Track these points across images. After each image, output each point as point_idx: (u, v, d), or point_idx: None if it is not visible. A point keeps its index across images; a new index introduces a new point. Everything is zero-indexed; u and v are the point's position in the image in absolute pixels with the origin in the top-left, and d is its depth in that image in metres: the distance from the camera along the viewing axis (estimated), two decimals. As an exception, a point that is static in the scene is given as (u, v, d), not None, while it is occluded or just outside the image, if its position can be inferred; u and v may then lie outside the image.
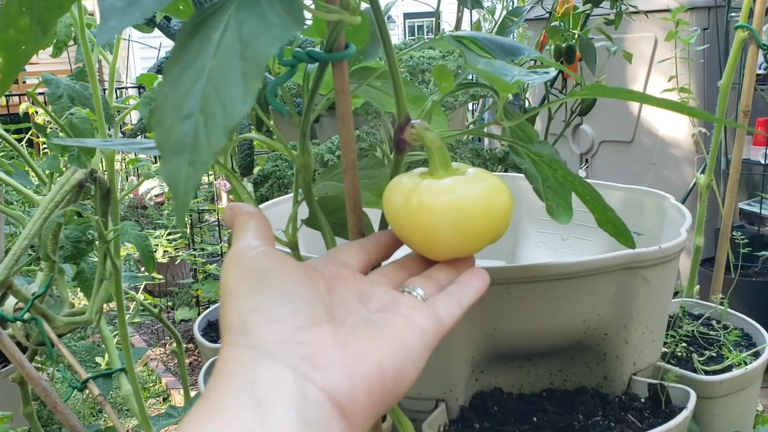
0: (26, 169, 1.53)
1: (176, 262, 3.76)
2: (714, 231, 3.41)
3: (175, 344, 1.25)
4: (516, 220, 1.13)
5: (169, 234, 3.75)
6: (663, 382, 0.73)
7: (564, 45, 1.99)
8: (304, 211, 0.63)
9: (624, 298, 0.73)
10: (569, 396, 0.77)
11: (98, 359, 2.72)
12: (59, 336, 0.98)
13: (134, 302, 1.22)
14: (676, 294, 1.06)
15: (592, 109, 2.16)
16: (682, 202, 3.15)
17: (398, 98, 0.55)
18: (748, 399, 0.80)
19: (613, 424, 0.71)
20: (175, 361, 3.33)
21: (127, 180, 5.67)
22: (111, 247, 0.88)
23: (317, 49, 0.53)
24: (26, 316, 0.82)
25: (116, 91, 1.09)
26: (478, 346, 0.72)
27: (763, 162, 3.09)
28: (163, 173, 0.37)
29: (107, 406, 0.94)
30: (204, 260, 3.74)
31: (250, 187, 1.42)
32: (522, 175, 0.66)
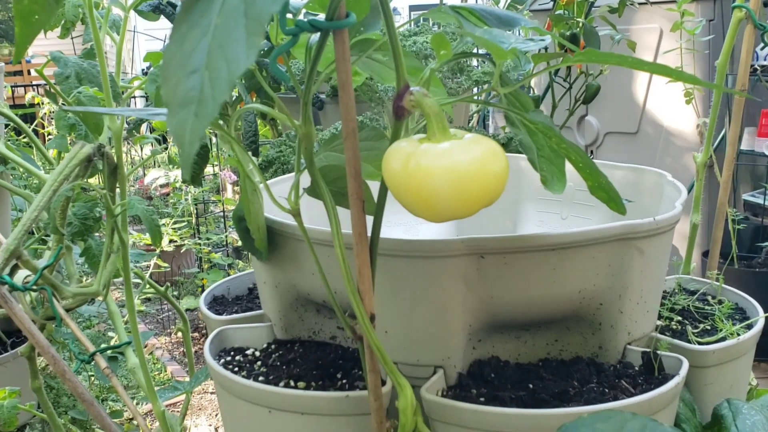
0: (33, 156, 1.55)
1: (182, 251, 3.79)
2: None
3: (181, 323, 1.27)
4: (516, 200, 1.14)
5: (174, 223, 3.77)
6: (656, 350, 0.75)
7: (568, 33, 2.00)
8: (307, 182, 0.65)
9: (619, 268, 0.75)
10: (565, 365, 0.78)
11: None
12: (67, 311, 1.00)
13: (141, 282, 1.24)
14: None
15: (595, 97, 2.17)
16: (688, 191, 3.15)
17: (398, 67, 0.56)
18: (740, 369, 0.82)
19: (607, 390, 0.72)
20: (181, 349, 3.36)
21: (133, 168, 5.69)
22: (118, 222, 0.90)
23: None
24: (35, 286, 0.84)
25: (122, 81, 1.11)
26: (475, 315, 0.74)
27: (766, 153, 3.10)
28: (170, 125, 0.39)
29: (114, 379, 0.96)
30: (209, 249, 3.77)
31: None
32: (523, 155, 0.68)
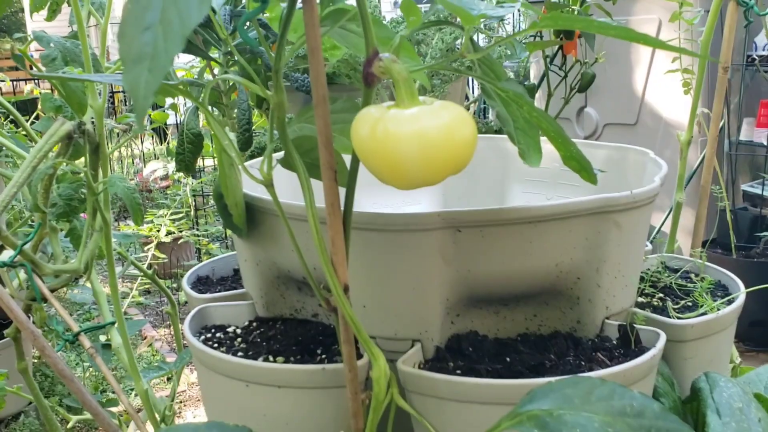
0: (27, 142, 1.55)
1: (180, 243, 3.79)
2: (714, 212, 3.42)
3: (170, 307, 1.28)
4: (502, 182, 1.14)
5: (172, 214, 3.78)
6: (633, 324, 0.75)
7: (563, 21, 1.98)
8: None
9: (596, 242, 0.75)
10: (543, 340, 0.78)
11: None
12: (53, 291, 1.00)
13: (136, 265, 1.24)
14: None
15: (591, 85, 2.16)
16: (687, 183, 3.14)
17: (366, 33, 0.56)
18: (720, 344, 0.82)
19: (583, 363, 0.72)
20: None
21: (133, 163, 5.71)
22: (101, 201, 0.90)
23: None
24: (15, 262, 0.84)
25: (108, 63, 1.12)
26: (453, 288, 0.74)
27: (766, 144, 3.10)
28: (125, 81, 0.39)
29: (98, 358, 0.96)
30: (208, 241, 3.77)
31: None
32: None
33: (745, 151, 3.35)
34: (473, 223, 0.71)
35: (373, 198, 1.09)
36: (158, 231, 3.59)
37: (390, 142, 0.52)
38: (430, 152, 0.52)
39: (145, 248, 3.46)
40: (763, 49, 3.21)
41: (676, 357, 0.79)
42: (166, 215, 3.69)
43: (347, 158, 0.65)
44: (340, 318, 0.65)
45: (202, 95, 0.65)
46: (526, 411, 0.55)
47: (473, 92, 3.09)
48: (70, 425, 1.21)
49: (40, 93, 4.15)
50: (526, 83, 2.23)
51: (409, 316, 0.75)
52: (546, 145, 1.01)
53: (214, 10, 0.77)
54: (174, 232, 3.67)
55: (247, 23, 0.92)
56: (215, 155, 0.81)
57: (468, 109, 2.75)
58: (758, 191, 3.22)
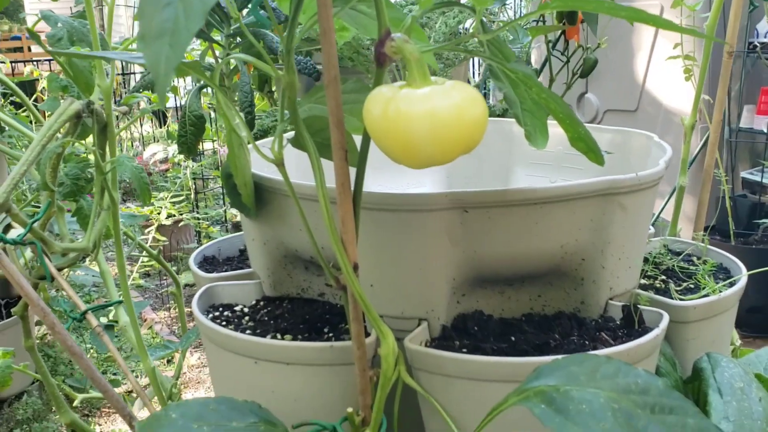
0: (27, 123, 1.56)
1: (180, 225, 3.80)
2: (715, 200, 3.43)
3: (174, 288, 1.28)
4: (508, 165, 1.15)
5: (173, 197, 3.78)
6: (636, 305, 0.76)
7: (566, 5, 1.98)
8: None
9: (601, 223, 0.75)
10: (548, 320, 0.79)
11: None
12: (60, 270, 1.01)
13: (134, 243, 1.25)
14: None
15: (593, 71, 2.16)
16: (687, 168, 3.13)
17: (379, 14, 0.57)
18: (722, 326, 0.83)
19: (587, 342, 0.73)
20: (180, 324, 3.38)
21: (133, 146, 5.71)
22: (108, 180, 0.90)
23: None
24: (25, 240, 0.85)
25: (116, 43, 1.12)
26: (459, 268, 0.75)
27: (766, 131, 3.10)
28: (146, 57, 0.40)
29: (105, 337, 0.97)
30: (208, 224, 3.78)
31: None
32: (514, 120, 0.69)
33: (745, 138, 3.35)
34: (480, 204, 0.72)
35: (378, 180, 1.09)
36: (158, 214, 3.60)
37: (402, 121, 0.53)
38: (442, 131, 0.53)
39: (146, 231, 3.47)
40: (765, 36, 3.21)
41: (679, 338, 0.80)
42: (166, 198, 3.70)
43: (357, 139, 0.65)
44: (350, 296, 0.65)
45: (212, 76, 0.66)
46: (532, 387, 0.56)
47: (474, 77, 3.09)
48: (75, 403, 1.22)
49: (39, 74, 4.14)
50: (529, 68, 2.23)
51: (416, 295, 0.76)
52: (550, 129, 1.02)
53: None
54: (174, 215, 3.68)
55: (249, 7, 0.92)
56: (219, 137, 0.81)
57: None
58: (757, 178, 3.23)
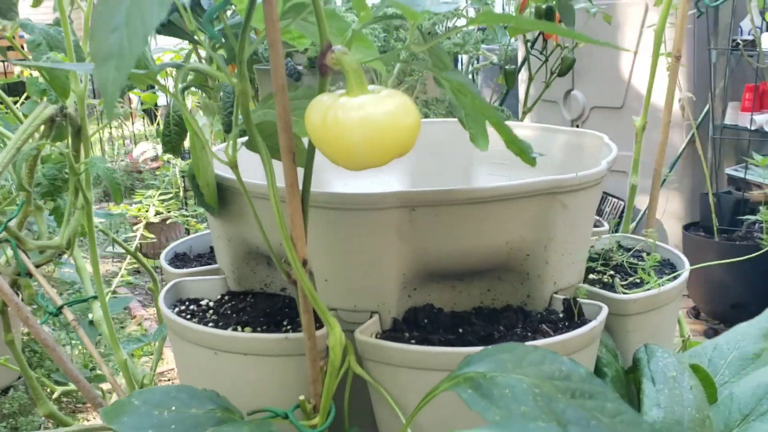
0: (14, 123, 1.59)
1: (168, 223, 3.84)
2: (700, 196, 3.48)
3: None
4: (469, 163, 1.19)
5: (161, 195, 3.82)
6: (576, 298, 0.80)
7: (544, 6, 2.03)
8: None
9: (544, 221, 0.80)
10: (496, 313, 0.84)
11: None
12: (37, 267, 1.05)
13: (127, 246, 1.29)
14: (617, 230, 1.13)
15: (570, 70, 2.21)
16: (672, 166, 3.18)
17: (320, 27, 0.61)
18: (663, 318, 0.87)
19: (529, 334, 0.78)
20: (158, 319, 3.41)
21: (124, 144, 5.74)
22: (82, 180, 0.94)
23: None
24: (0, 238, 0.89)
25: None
26: (409, 264, 0.79)
27: (750, 128, 3.15)
28: (96, 77, 0.44)
29: (80, 330, 1.01)
30: (196, 221, 3.82)
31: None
32: None
33: (730, 135, 3.40)
34: (427, 203, 0.76)
35: (344, 179, 1.13)
36: (147, 211, 3.64)
37: (338, 128, 0.57)
38: (375, 137, 0.57)
39: (134, 228, 3.50)
40: (748, 34, 3.25)
41: (620, 330, 0.84)
42: (155, 196, 3.74)
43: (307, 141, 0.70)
44: (299, 290, 0.70)
45: (179, 82, 0.70)
46: (462, 374, 0.61)
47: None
48: (55, 396, 1.27)
49: (30, 75, 4.17)
50: (508, 67, 2.27)
51: (368, 289, 0.80)
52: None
53: None
54: (163, 213, 3.72)
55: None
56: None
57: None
58: (741, 175, 3.28)
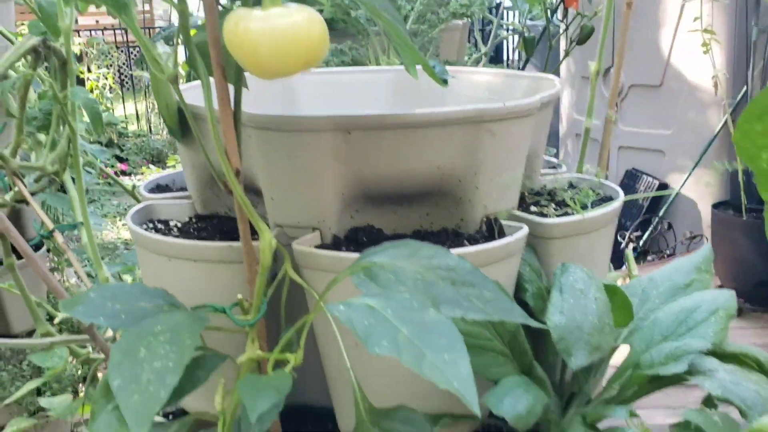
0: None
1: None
2: (729, 174, 3.46)
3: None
4: (441, 105, 1.25)
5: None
6: (497, 218, 0.86)
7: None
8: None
9: (473, 148, 0.85)
10: (433, 235, 0.90)
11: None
12: (33, 194, 1.15)
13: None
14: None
15: (588, 38, 2.23)
16: (707, 146, 3.18)
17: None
18: (589, 246, 0.92)
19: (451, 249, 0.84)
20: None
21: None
22: (67, 110, 1.03)
23: None
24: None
25: None
26: (347, 185, 0.86)
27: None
28: None
29: (69, 252, 1.10)
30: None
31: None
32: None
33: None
34: (361, 126, 0.83)
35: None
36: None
37: (248, 36, 0.64)
38: (281, 46, 0.64)
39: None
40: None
41: (545, 253, 0.90)
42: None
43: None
44: (235, 199, 0.77)
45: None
46: (360, 263, 0.67)
47: (485, 43, 3.13)
48: (56, 321, 1.36)
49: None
50: (527, 35, 2.31)
51: (308, 208, 0.87)
52: (476, 76, 1.12)
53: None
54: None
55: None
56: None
57: (480, 60, 2.83)
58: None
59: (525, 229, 0.84)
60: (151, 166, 4.64)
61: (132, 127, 5.62)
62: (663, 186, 4.04)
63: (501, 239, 0.81)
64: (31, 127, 1.12)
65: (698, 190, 3.96)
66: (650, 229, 3.81)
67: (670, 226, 4.15)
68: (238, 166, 0.75)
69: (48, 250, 2.02)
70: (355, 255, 0.79)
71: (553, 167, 1.14)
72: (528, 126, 0.90)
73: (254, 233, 0.76)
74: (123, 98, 6.03)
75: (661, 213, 4.05)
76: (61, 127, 1.14)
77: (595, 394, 0.92)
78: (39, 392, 1.96)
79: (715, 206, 3.75)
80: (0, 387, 1.94)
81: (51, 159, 1.03)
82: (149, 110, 5.71)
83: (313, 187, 0.86)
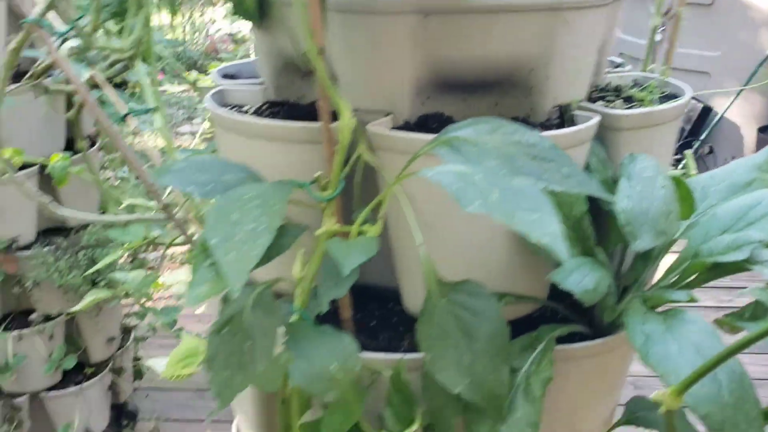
0: None
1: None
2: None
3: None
4: None
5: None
6: (569, 107, 0.88)
7: None
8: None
9: (547, 36, 0.87)
10: (502, 123, 0.92)
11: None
12: (108, 79, 1.18)
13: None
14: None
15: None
16: (758, 66, 3.15)
17: None
18: (656, 139, 0.94)
19: (522, 134, 0.86)
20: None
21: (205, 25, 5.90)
22: (143, -4, 1.06)
23: None
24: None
25: None
26: (422, 69, 0.88)
27: None
28: None
29: (139, 138, 1.14)
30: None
31: None
32: None
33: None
34: (439, 10, 0.84)
35: None
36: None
37: None
38: None
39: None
40: None
41: (614, 144, 0.92)
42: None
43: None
44: (317, 77, 0.80)
45: None
46: (442, 138, 0.70)
47: None
48: (121, 208, 1.42)
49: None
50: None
51: (383, 91, 0.89)
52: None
53: None
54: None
55: None
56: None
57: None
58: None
59: (597, 118, 0.86)
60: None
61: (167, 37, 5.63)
62: (707, 109, 3.99)
63: (572, 127, 0.83)
64: (105, 14, 1.15)
65: (743, 113, 3.91)
66: (691, 152, 3.78)
67: (711, 150, 4.11)
68: (322, 44, 0.78)
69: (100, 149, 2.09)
70: (430, 136, 0.82)
71: (617, 66, 1.15)
72: (602, 17, 0.91)
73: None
74: (159, 7, 6.00)
75: (702, 136, 4.00)
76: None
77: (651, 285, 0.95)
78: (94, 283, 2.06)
79: (761, 129, 3.69)
80: (59, 274, 2.03)
81: (129, 42, 1.06)
82: (185, 20, 5.70)
83: (389, 70, 0.88)
